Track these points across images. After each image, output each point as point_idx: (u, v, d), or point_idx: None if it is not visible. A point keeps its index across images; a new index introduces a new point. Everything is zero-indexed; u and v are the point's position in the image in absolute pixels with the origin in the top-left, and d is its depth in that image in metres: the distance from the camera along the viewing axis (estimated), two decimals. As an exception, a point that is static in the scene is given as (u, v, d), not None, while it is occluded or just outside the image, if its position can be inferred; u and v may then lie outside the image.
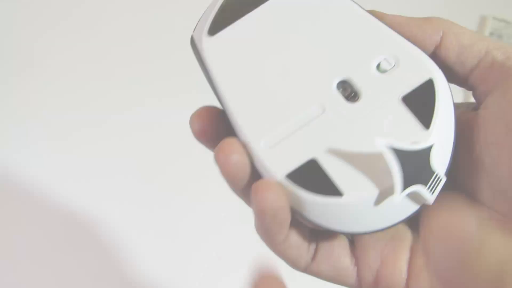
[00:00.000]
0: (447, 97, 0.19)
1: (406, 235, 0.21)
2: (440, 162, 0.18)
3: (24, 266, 0.45)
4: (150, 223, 0.47)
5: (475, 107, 0.21)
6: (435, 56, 0.20)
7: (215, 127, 0.20)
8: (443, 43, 0.20)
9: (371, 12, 0.21)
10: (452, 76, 0.21)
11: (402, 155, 0.17)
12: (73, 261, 0.46)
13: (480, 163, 0.19)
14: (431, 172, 0.18)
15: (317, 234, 0.21)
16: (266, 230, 0.18)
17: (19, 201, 0.48)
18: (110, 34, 0.56)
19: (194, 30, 0.21)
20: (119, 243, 0.46)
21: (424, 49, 0.20)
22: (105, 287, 0.45)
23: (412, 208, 0.19)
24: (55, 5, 0.57)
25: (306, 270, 0.21)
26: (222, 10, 0.20)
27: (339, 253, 0.20)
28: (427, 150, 0.18)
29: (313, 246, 0.20)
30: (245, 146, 0.19)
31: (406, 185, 0.17)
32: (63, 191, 0.48)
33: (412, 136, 0.18)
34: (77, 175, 0.49)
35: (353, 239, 0.21)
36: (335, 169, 0.18)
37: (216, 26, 0.20)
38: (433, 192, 0.18)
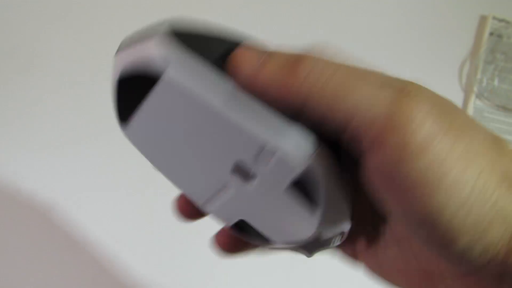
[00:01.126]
0: (334, 177, 0.20)
1: None
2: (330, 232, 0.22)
3: (16, 269, 0.45)
4: (146, 228, 0.47)
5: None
6: None
7: (193, 208, 0.24)
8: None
9: None
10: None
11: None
12: (69, 264, 0.46)
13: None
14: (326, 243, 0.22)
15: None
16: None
17: (16, 201, 0.48)
18: (112, 35, 0.56)
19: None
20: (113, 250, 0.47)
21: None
22: None
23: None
24: (56, 4, 0.57)
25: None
26: (120, 96, 0.21)
27: None
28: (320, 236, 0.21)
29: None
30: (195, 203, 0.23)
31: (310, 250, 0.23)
32: (61, 191, 0.49)
33: (302, 220, 0.21)
34: (75, 177, 0.49)
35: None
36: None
37: (123, 113, 0.21)
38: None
